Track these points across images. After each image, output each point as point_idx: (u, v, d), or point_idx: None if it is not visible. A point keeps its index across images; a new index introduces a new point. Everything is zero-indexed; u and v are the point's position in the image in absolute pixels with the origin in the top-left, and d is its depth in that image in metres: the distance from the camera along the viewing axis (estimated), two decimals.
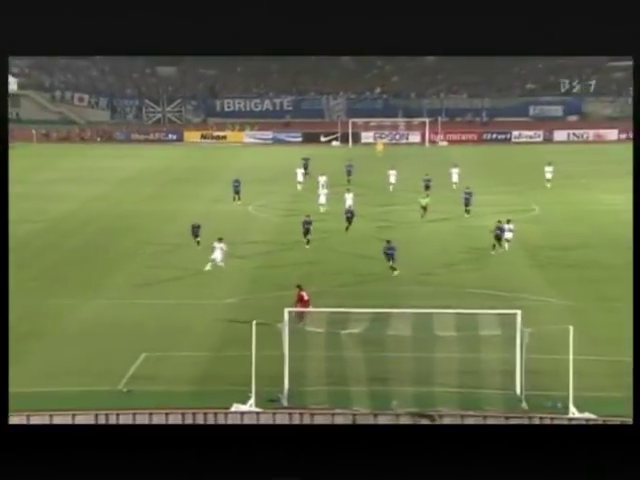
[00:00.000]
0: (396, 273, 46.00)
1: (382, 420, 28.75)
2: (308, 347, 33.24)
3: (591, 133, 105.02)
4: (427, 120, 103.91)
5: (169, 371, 33.63)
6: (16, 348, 29.74)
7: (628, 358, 34.30)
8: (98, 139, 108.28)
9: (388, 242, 47.39)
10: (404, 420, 28.78)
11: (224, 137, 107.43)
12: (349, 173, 74.47)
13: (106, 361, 34.58)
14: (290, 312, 31.99)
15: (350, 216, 56.12)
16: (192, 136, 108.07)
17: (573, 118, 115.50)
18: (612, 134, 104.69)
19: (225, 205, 65.28)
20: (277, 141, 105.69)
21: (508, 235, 50.99)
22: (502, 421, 28.62)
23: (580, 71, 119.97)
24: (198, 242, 50.71)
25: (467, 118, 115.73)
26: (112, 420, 28.69)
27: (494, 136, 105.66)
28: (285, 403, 30.35)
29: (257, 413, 29.12)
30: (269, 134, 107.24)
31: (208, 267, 46.35)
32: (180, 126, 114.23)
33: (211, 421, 28.78)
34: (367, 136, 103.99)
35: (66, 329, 38.51)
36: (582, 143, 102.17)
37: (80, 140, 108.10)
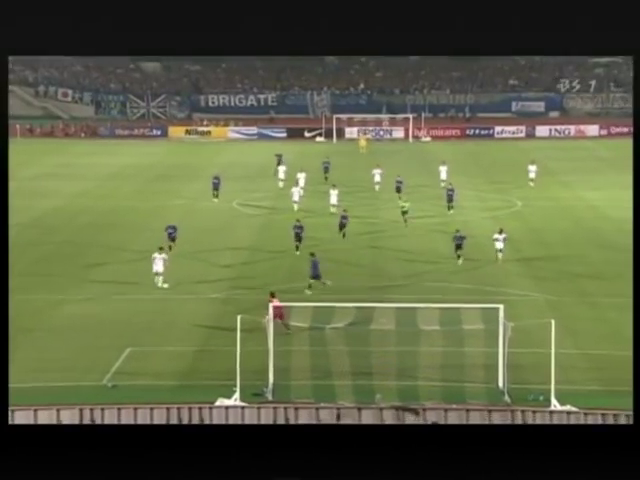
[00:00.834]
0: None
1: (366, 414, 28.98)
2: (293, 342, 33.48)
3: (572, 129, 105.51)
4: (411, 116, 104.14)
5: (154, 366, 33.78)
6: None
7: (607, 351, 34.84)
8: (82, 134, 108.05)
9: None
10: (387, 414, 29.00)
11: (208, 132, 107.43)
12: (326, 170, 72.68)
13: (91, 356, 34.71)
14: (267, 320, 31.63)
15: (345, 222, 52.54)
16: (176, 131, 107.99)
17: (555, 114, 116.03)
18: (593, 130, 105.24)
19: (207, 202, 64.84)
20: (262, 136, 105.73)
21: (499, 245, 47.50)
22: (485, 414, 28.88)
23: (562, 67, 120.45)
24: (170, 247, 48.35)
25: (450, 114, 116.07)
26: (97, 415, 28.81)
27: (477, 132, 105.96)
28: (270, 397, 30.59)
29: (242, 407, 29.33)
30: (254, 129, 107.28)
31: (163, 285, 43.17)
32: (164, 121, 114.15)
33: (196, 415, 28.95)
34: (351, 131, 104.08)
35: (51, 324, 38.59)
36: (563, 139, 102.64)
37: (64, 135, 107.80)
